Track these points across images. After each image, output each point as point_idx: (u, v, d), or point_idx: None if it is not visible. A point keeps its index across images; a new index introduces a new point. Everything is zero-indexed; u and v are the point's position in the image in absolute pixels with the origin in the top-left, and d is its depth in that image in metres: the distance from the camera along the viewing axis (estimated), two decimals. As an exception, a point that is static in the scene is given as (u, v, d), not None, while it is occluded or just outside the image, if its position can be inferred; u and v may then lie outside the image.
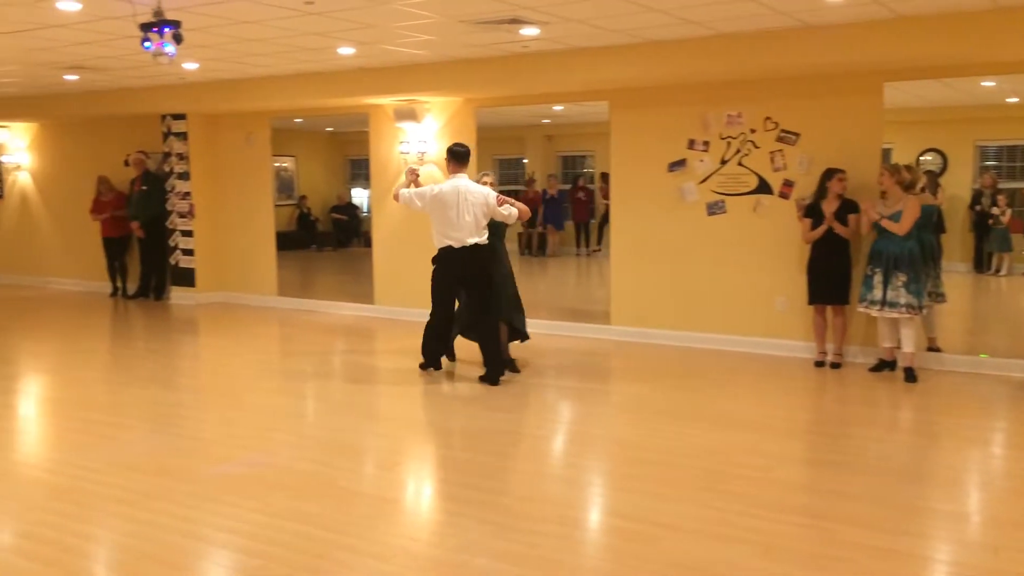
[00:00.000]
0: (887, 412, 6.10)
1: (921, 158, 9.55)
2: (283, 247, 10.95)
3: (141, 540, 3.84)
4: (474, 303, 6.79)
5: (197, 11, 5.77)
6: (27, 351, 8.57)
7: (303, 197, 16.40)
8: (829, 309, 7.15)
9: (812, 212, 7.05)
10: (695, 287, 7.99)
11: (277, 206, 11.03)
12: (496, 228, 6.88)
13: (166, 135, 10.97)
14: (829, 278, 7.03)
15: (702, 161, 7.85)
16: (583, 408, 6.29)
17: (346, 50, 7.42)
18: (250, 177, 10.84)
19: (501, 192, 6.89)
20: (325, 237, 16.17)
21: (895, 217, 6.55)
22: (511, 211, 6.69)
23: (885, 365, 6.89)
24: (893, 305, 6.59)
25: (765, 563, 3.57)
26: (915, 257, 6.55)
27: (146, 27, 5.22)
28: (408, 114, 9.17)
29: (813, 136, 7.36)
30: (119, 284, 11.71)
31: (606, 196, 10.37)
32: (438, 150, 9.29)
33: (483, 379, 6.67)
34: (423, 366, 7.01)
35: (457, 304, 7.00)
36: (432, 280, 6.79)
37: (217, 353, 8.35)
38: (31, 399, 6.80)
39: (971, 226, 9.62)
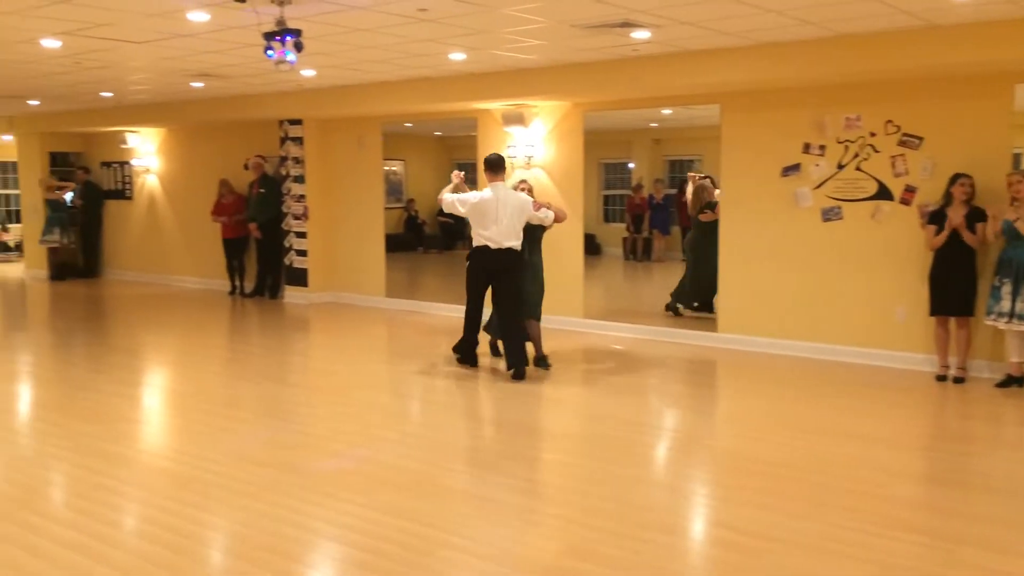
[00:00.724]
0: (1014, 430, 5.79)
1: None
2: (391, 249, 11.19)
3: (256, 530, 3.98)
4: (499, 299, 7.14)
5: (316, 20, 5.96)
6: (152, 345, 9.03)
7: (411, 200, 16.72)
8: (952, 321, 6.82)
9: (936, 219, 6.75)
10: (808, 295, 7.77)
11: (386, 209, 11.28)
12: (532, 231, 7.21)
13: (283, 140, 11.37)
14: (953, 288, 6.71)
15: (818, 165, 7.62)
16: (689, 416, 6.20)
17: (457, 55, 7.53)
18: (361, 180, 11.12)
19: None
20: (432, 240, 16.45)
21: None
22: (548, 214, 7.12)
23: (1013, 381, 6.53)
24: (1023, 318, 6.24)
25: (881, 583, 3.44)
26: (1048, 267, 6.20)
27: (269, 36, 5.44)
28: (516, 118, 9.23)
29: (937, 140, 7.04)
30: (237, 283, 12.20)
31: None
32: (545, 154, 9.33)
33: (513, 376, 6.93)
34: (459, 360, 7.43)
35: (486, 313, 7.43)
36: (467, 275, 7.26)
37: (327, 351, 8.60)
38: (155, 391, 7.16)
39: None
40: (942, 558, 3.67)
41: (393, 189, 11.86)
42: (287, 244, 11.55)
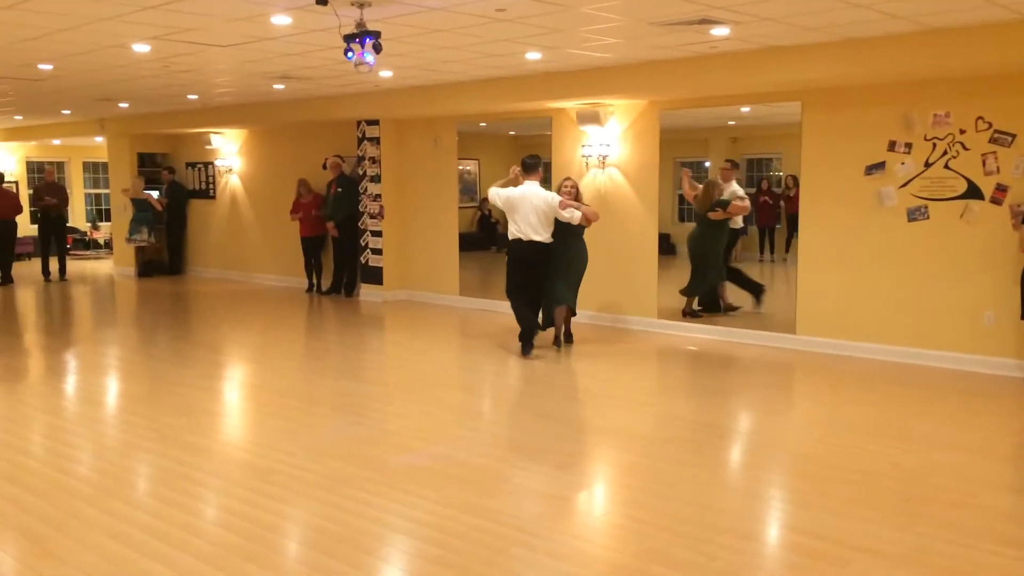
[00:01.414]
0: (1115, 442, 5.50)
1: None
2: (464, 248, 11.25)
3: (332, 523, 4.04)
4: (529, 285, 7.90)
5: (395, 21, 6.03)
6: (233, 340, 9.26)
7: (485, 199, 16.77)
8: (1046, 326, 6.54)
9: (1029, 219, 6.47)
10: (892, 297, 7.53)
11: (460, 208, 11.35)
12: (567, 226, 7.76)
13: (360, 140, 11.55)
14: (1047, 292, 6.43)
15: (903, 164, 7.38)
16: (767, 419, 6.07)
17: (533, 55, 7.52)
18: (436, 180, 11.22)
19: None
20: (504, 239, 16.46)
21: None
22: (573, 214, 7.67)
23: (1113, 390, 6.23)
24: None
25: (970, 597, 3.31)
26: None
27: (349, 38, 5.52)
28: (591, 117, 9.19)
29: (1032, 137, 6.76)
30: (314, 281, 12.44)
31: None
32: (620, 153, 9.25)
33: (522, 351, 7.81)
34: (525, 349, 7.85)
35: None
36: (506, 265, 8.05)
37: (402, 349, 8.69)
38: (236, 385, 7.34)
39: None
40: (1037, 573, 3.51)
41: (467, 188, 11.90)
42: (363, 243, 11.73)
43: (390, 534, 3.96)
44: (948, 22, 6.09)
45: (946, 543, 3.78)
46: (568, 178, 8.14)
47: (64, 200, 14.49)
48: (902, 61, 6.61)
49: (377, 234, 11.54)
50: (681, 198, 16.18)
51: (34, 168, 18.34)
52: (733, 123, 13.77)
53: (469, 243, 12.23)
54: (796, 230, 8.44)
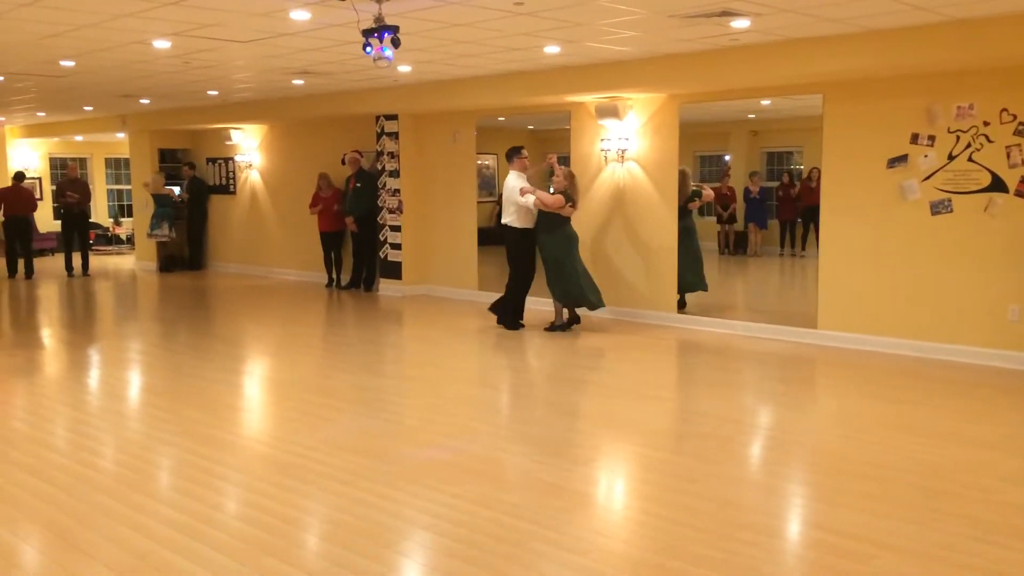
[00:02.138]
0: None
1: None
2: (483, 243, 11.24)
3: (353, 517, 4.06)
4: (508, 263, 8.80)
5: (413, 16, 6.02)
6: (252, 335, 9.32)
7: (503, 194, 16.75)
8: (1072, 320, 6.45)
9: (1055, 212, 6.39)
10: (914, 291, 7.45)
11: (478, 203, 11.34)
12: (546, 215, 8.34)
13: (379, 135, 11.56)
14: (1073, 286, 6.35)
15: (926, 156, 7.30)
16: (789, 414, 6.03)
17: (552, 49, 7.50)
18: (455, 174, 11.22)
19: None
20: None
21: None
22: (528, 199, 8.33)
23: None
24: None
25: (995, 594, 3.27)
26: None
27: (368, 33, 5.51)
28: (610, 111, 9.15)
29: (1058, 129, 6.66)
30: (334, 275, 12.48)
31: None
32: (639, 147, 9.21)
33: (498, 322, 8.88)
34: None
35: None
36: None
37: (421, 343, 8.70)
38: (256, 379, 7.38)
39: None
40: (1063, 570, 3.46)
41: (486, 183, 11.90)
42: (382, 237, 11.75)
43: (409, 528, 3.96)
44: (972, 12, 6.01)
45: (968, 539, 3.74)
46: (551, 155, 8.79)
47: (87, 196, 14.62)
48: (925, 53, 6.53)
49: (396, 229, 11.56)
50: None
51: (57, 164, 18.52)
52: (753, 116, 13.68)
53: (488, 238, 12.22)
54: (812, 224, 8.37)
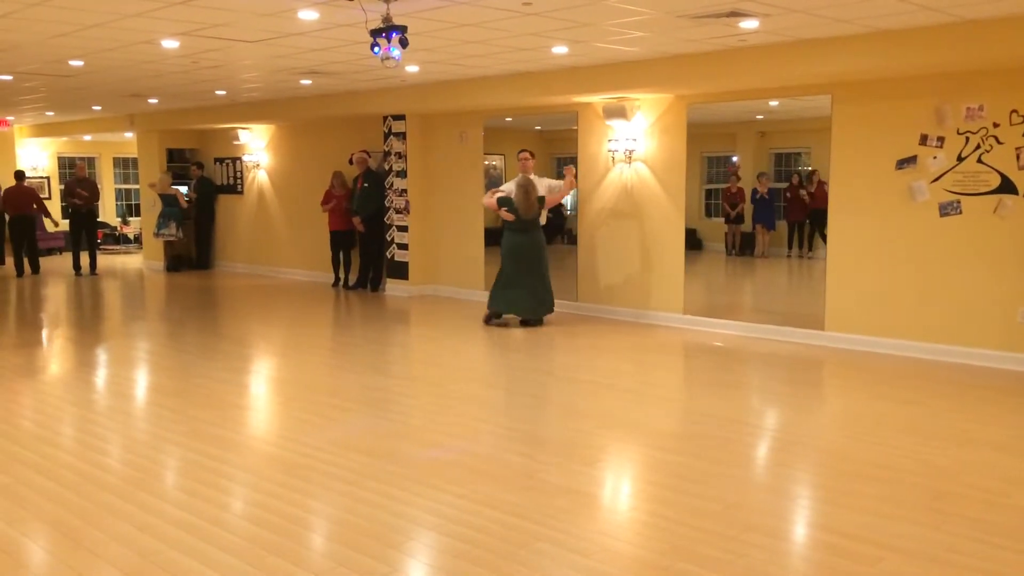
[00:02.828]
0: None
1: None
2: (490, 243, 11.23)
3: (358, 517, 4.06)
4: None
5: (421, 16, 6.03)
6: (260, 335, 9.33)
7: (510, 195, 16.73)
8: (1082, 322, 6.42)
9: (1065, 214, 6.35)
10: (923, 293, 7.43)
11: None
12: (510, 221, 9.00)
13: (387, 135, 11.57)
14: (1083, 288, 6.32)
15: (935, 158, 7.28)
16: (796, 416, 6.01)
17: (559, 49, 7.49)
18: (462, 175, 11.22)
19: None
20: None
21: None
22: (488, 201, 9.26)
23: None
24: None
25: (1003, 598, 3.25)
26: None
27: (376, 33, 5.52)
28: (618, 112, 9.14)
29: (1068, 130, 6.63)
30: (341, 275, 12.49)
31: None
32: (647, 148, 9.20)
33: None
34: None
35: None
36: None
37: (427, 343, 8.71)
38: (263, 379, 7.39)
39: None
40: (1072, 574, 3.44)
41: (493, 183, 11.89)
42: (389, 237, 11.76)
43: (415, 528, 3.96)
44: (982, 13, 5.98)
45: (977, 542, 3.72)
46: (523, 150, 9.24)
47: (95, 195, 14.67)
48: (934, 53, 6.51)
49: (403, 229, 11.57)
50: (708, 193, 16.07)
51: (65, 164, 18.59)
52: (761, 117, 13.65)
53: (495, 238, 12.21)
54: (818, 225, 8.35)
